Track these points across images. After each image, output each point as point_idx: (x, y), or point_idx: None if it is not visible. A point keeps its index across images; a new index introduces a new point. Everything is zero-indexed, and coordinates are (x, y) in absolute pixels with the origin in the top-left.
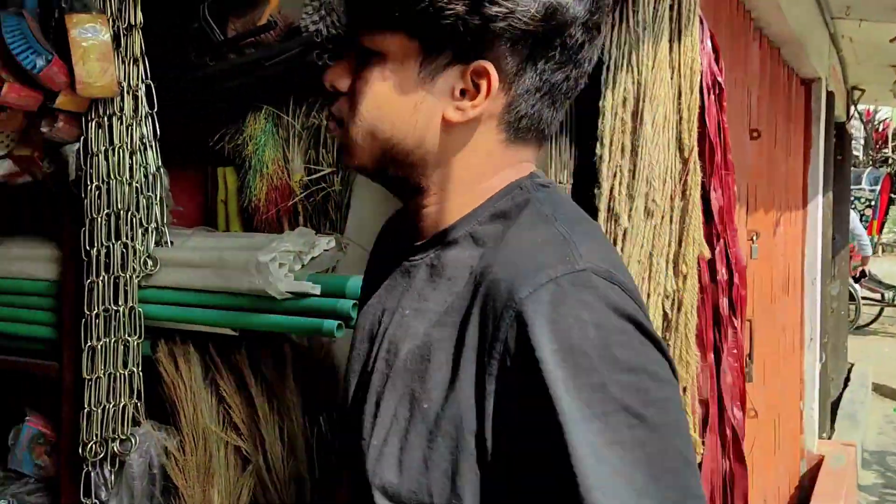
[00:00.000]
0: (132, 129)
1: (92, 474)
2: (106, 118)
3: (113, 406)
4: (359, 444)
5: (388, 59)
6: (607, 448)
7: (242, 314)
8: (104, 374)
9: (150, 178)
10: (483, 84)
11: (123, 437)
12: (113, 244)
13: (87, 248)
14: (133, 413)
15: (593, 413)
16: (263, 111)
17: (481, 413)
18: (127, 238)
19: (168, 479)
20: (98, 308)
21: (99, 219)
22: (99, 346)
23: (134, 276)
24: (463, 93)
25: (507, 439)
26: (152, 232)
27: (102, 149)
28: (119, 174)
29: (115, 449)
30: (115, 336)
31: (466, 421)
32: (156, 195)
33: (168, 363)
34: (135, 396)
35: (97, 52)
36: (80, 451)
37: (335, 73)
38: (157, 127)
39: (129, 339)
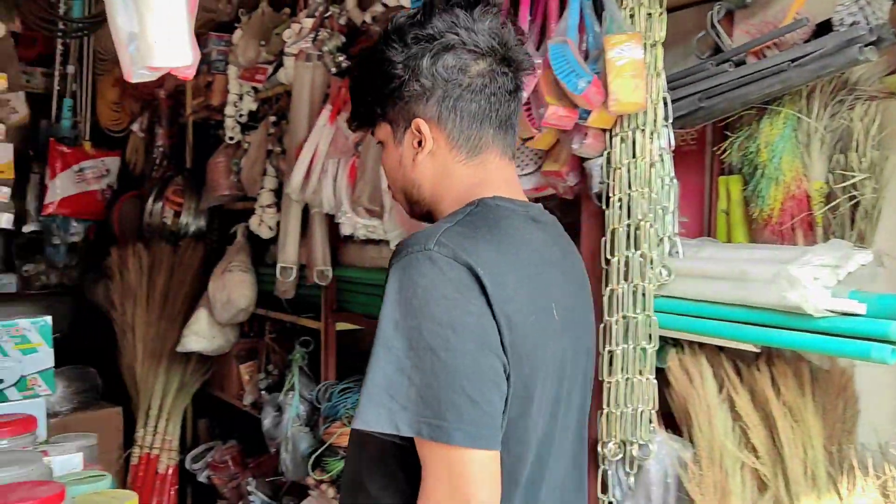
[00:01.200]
0: (653, 141)
1: (609, 473)
2: (630, 132)
3: (631, 411)
4: None
5: (384, 142)
6: (403, 353)
7: (768, 330)
8: (622, 379)
9: (665, 188)
10: (422, 131)
11: (642, 443)
12: (632, 253)
13: (608, 256)
14: (650, 420)
15: (409, 345)
16: (782, 115)
17: None
18: (645, 248)
19: (681, 491)
20: (618, 314)
21: (620, 229)
22: (618, 351)
23: (650, 285)
24: (419, 143)
25: None
26: (665, 242)
27: (625, 162)
28: (640, 186)
29: (633, 453)
30: (632, 342)
31: None
32: (669, 206)
33: (680, 374)
34: (651, 403)
35: (631, 70)
36: (598, 448)
37: None
38: (672, 138)
39: (646, 346)
